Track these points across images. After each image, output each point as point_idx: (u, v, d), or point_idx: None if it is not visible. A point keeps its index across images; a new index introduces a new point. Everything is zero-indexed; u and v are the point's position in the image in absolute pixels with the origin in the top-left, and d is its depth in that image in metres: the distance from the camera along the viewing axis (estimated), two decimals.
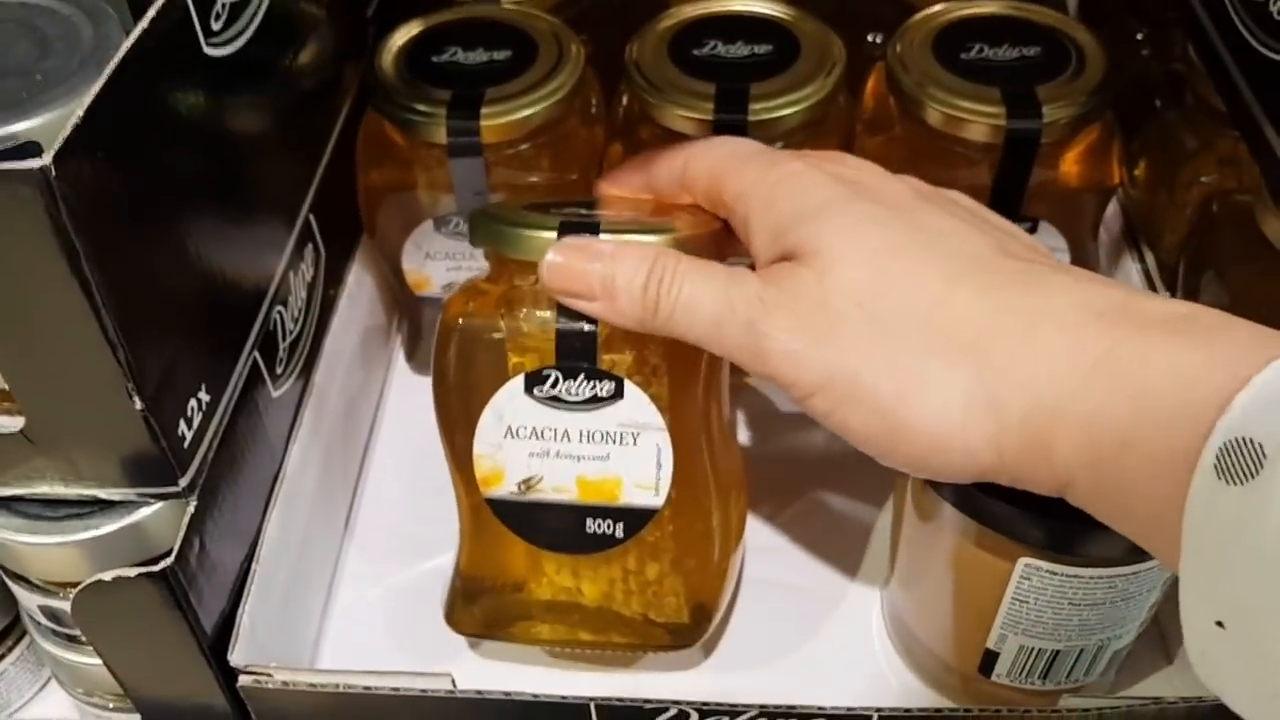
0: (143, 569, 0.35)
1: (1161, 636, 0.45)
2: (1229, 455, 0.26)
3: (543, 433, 0.39)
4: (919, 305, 0.32)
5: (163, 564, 0.35)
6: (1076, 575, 0.36)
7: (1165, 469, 0.27)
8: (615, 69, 0.52)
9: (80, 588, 0.35)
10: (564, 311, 0.38)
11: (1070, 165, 0.47)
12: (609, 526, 0.41)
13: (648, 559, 0.42)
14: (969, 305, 0.32)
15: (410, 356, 0.58)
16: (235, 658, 0.38)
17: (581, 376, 0.38)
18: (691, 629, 0.43)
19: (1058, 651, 0.39)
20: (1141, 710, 0.36)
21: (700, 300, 0.35)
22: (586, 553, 0.41)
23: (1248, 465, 0.25)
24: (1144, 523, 0.29)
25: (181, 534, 0.36)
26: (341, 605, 0.49)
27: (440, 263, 0.52)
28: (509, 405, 0.39)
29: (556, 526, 0.41)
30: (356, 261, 0.53)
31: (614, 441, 0.39)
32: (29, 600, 0.40)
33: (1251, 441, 0.25)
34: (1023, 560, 0.37)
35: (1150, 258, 0.52)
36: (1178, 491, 0.27)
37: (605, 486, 0.40)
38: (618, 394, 0.39)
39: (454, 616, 0.44)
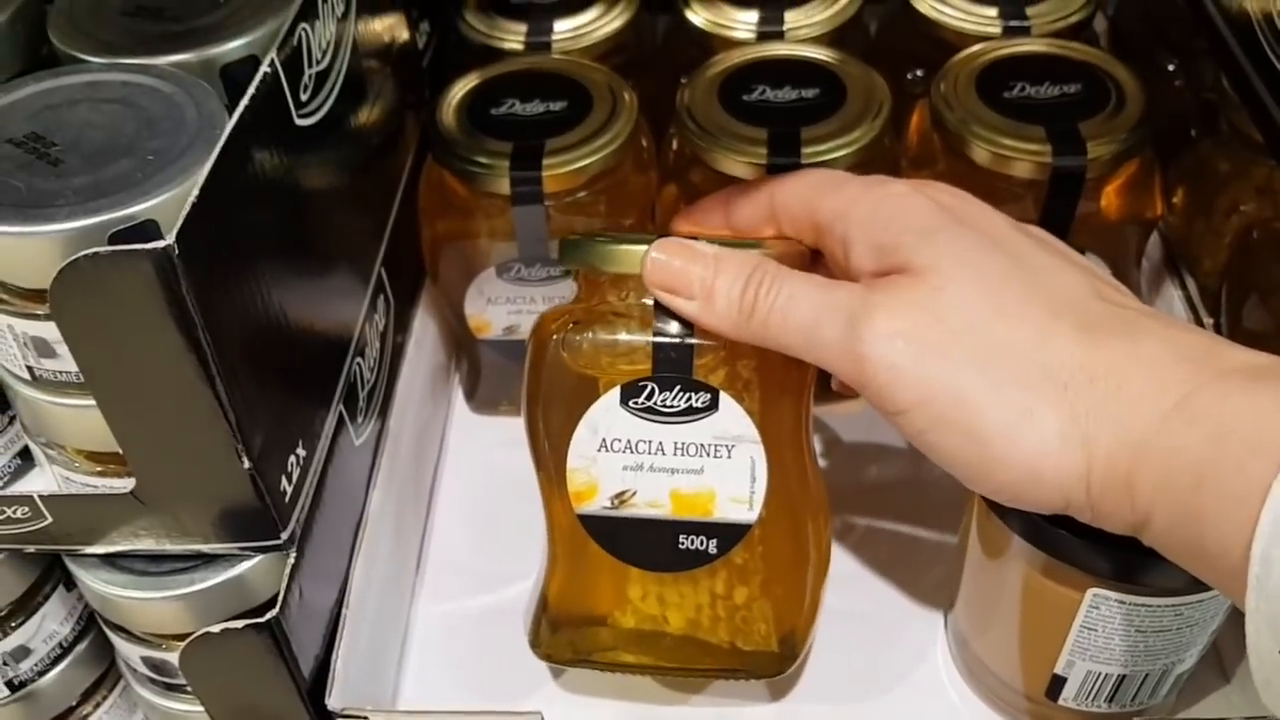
0: (249, 620, 0.36)
1: (1219, 657, 0.46)
2: None
3: (637, 445, 0.40)
4: (1025, 337, 0.33)
5: (268, 615, 0.36)
6: (1144, 604, 0.38)
7: (1237, 503, 0.29)
8: (661, 113, 0.53)
9: (189, 640, 0.36)
10: (660, 325, 0.39)
11: (1112, 199, 0.49)
12: (702, 543, 0.41)
13: (736, 582, 0.42)
14: (1069, 343, 0.33)
15: (470, 397, 0.60)
16: (333, 701, 0.40)
17: (677, 388, 0.39)
18: (780, 658, 0.43)
19: (1124, 676, 0.41)
20: None
21: (798, 304, 0.36)
22: (678, 570, 0.42)
23: None
24: (1214, 558, 0.30)
25: (284, 585, 0.37)
26: (416, 644, 0.50)
27: (501, 307, 0.53)
28: (604, 418, 0.40)
29: (649, 543, 0.41)
30: (420, 308, 0.55)
31: (708, 454, 0.40)
32: (130, 651, 0.41)
33: None
34: (1092, 590, 0.38)
35: (1191, 284, 0.53)
36: (1247, 525, 0.28)
37: (699, 501, 0.41)
38: (713, 405, 0.39)
39: (539, 644, 0.44)
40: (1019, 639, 0.42)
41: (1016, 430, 0.33)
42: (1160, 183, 0.49)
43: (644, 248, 0.39)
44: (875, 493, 0.54)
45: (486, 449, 0.58)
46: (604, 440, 0.40)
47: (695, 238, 0.43)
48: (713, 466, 0.40)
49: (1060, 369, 0.33)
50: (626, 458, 0.41)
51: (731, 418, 0.40)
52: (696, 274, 0.38)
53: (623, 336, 0.40)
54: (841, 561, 0.52)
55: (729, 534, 0.41)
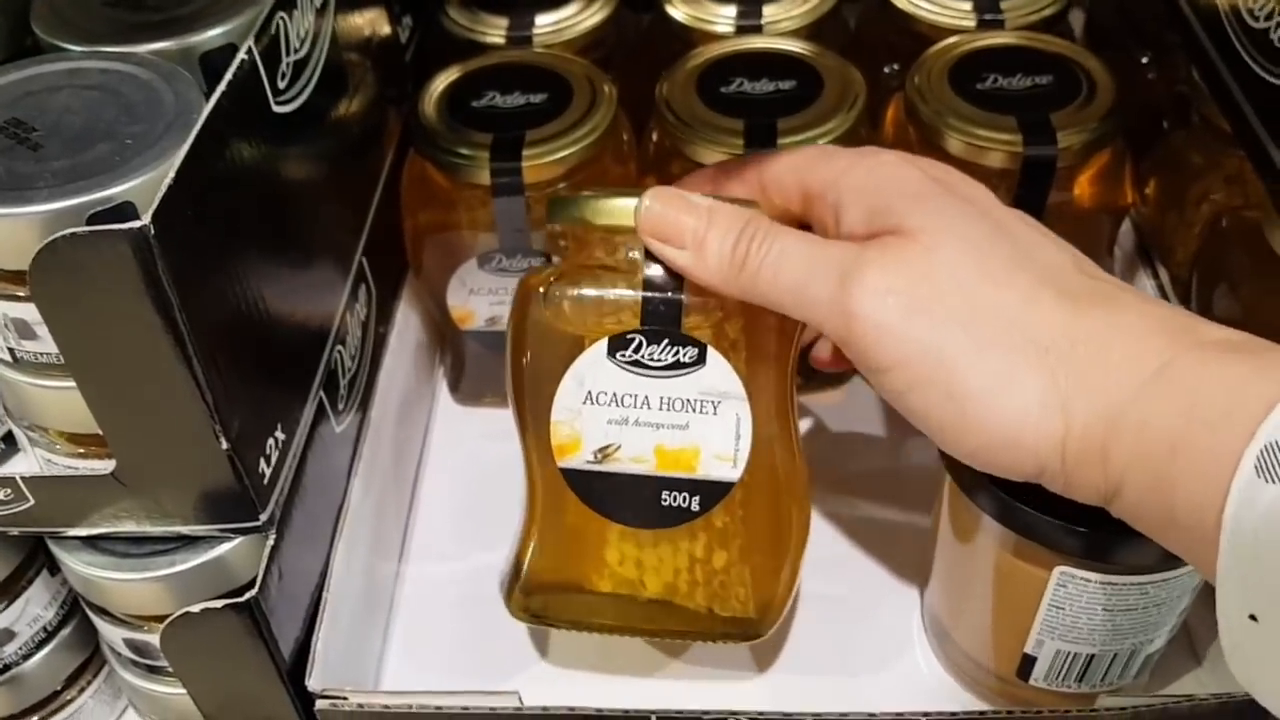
0: (228, 600, 0.37)
1: (1190, 639, 0.47)
2: (1269, 456, 0.28)
3: (623, 399, 0.40)
4: (1010, 301, 0.34)
5: (247, 595, 0.37)
6: (1111, 582, 0.38)
7: (1210, 470, 0.29)
8: (641, 105, 0.54)
9: (169, 620, 0.37)
10: (650, 278, 0.39)
11: (1084, 188, 0.49)
12: (685, 499, 0.41)
13: (716, 546, 0.42)
14: (1052, 309, 0.33)
15: (454, 388, 0.60)
16: (313, 682, 0.40)
17: (665, 341, 0.39)
18: (757, 623, 0.43)
19: (1093, 655, 0.41)
20: (1175, 708, 0.38)
21: (790, 259, 0.36)
22: (660, 527, 0.42)
23: None
24: (1185, 526, 0.30)
25: (263, 566, 0.38)
26: (399, 627, 0.51)
27: (484, 298, 0.54)
28: (590, 370, 0.40)
29: (632, 498, 0.41)
30: (403, 299, 0.55)
31: (694, 409, 0.40)
32: (112, 633, 0.42)
33: None
34: (1059, 568, 0.39)
35: (1164, 273, 0.54)
36: (1219, 492, 0.29)
37: (683, 456, 0.41)
38: (700, 360, 0.39)
39: (512, 601, 0.44)
40: (990, 618, 0.43)
41: (996, 393, 0.33)
42: (1131, 172, 0.50)
43: (635, 200, 0.39)
44: (855, 479, 0.55)
45: (471, 440, 0.59)
46: (590, 393, 0.40)
47: None
48: (698, 422, 0.40)
49: (1043, 334, 0.33)
50: (612, 411, 0.40)
51: (719, 373, 0.40)
52: (690, 224, 0.38)
53: (610, 292, 0.40)
54: (821, 545, 0.52)
55: (712, 491, 0.41)
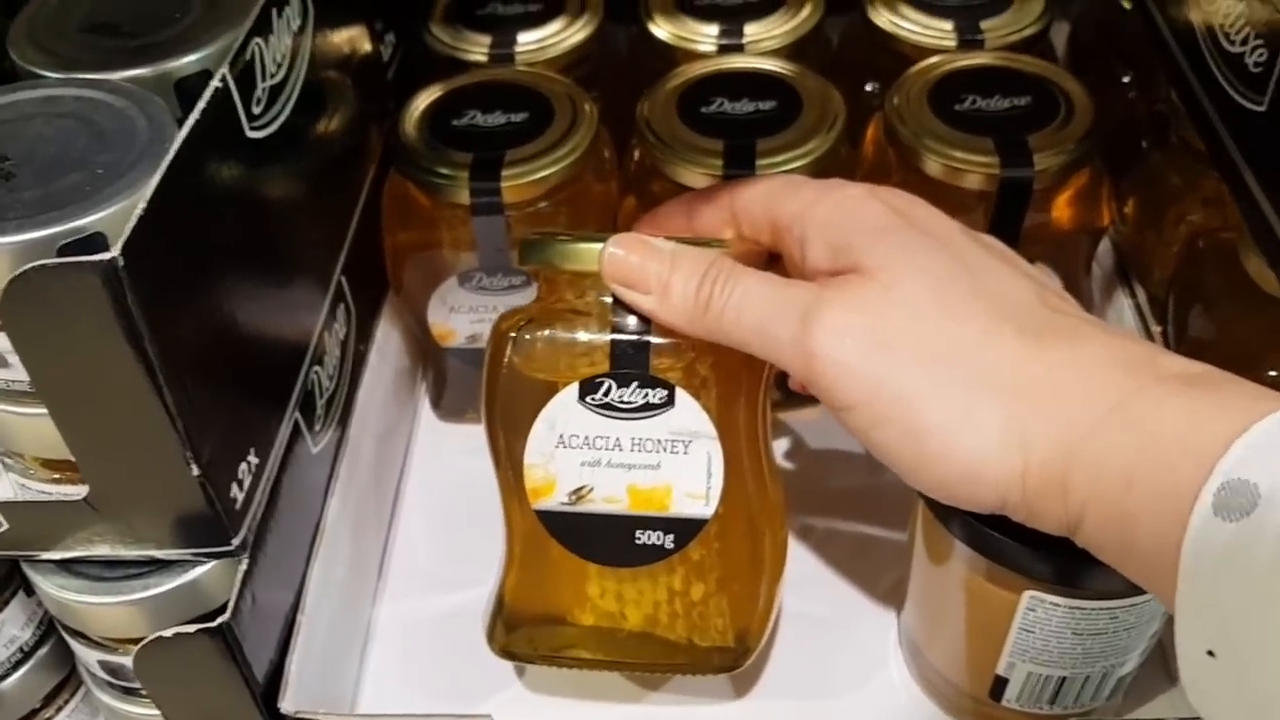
0: (201, 625, 0.37)
1: (1165, 660, 0.47)
2: (1227, 493, 0.28)
3: (595, 441, 0.41)
4: (968, 337, 0.34)
5: (220, 620, 0.37)
6: (1079, 606, 0.38)
7: (1167, 506, 0.29)
8: (625, 123, 0.54)
9: (142, 645, 0.37)
10: (618, 323, 0.40)
11: (1062, 209, 0.50)
12: (659, 537, 0.42)
13: (694, 579, 0.43)
14: (1010, 347, 0.34)
15: (436, 404, 0.60)
16: (285, 705, 0.40)
17: (634, 384, 0.40)
18: (736, 652, 0.44)
19: (1064, 678, 0.41)
20: None
21: (752, 300, 0.37)
22: (635, 565, 0.42)
23: (1244, 504, 0.28)
24: (1144, 559, 0.31)
25: (236, 591, 0.38)
26: (378, 648, 0.51)
27: (464, 316, 0.54)
28: (562, 413, 0.41)
29: (606, 538, 0.42)
30: (383, 317, 0.55)
31: (665, 449, 0.41)
32: (88, 655, 0.42)
33: (1248, 482, 0.28)
34: (1028, 593, 0.39)
35: (1141, 293, 0.54)
36: (1177, 528, 0.29)
37: (656, 496, 0.41)
38: (669, 401, 0.40)
39: (495, 640, 0.45)
40: (963, 640, 0.43)
41: (955, 429, 0.33)
42: (1109, 193, 0.50)
43: (601, 245, 0.39)
44: (834, 498, 0.55)
45: (453, 456, 0.59)
46: (561, 436, 0.41)
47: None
48: (669, 462, 0.41)
49: (1001, 370, 0.33)
50: (584, 453, 0.41)
51: (688, 413, 0.40)
52: (653, 269, 0.38)
53: (580, 335, 0.40)
54: (800, 564, 0.52)
55: (685, 529, 0.42)
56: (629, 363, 0.40)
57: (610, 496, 0.41)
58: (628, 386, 0.40)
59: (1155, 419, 0.31)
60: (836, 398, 0.35)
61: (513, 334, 0.41)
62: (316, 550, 0.45)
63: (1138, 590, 0.38)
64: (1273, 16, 0.41)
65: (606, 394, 0.40)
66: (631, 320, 0.40)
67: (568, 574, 0.43)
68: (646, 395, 0.40)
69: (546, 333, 0.40)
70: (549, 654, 0.45)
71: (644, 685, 0.48)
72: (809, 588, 0.51)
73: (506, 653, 0.45)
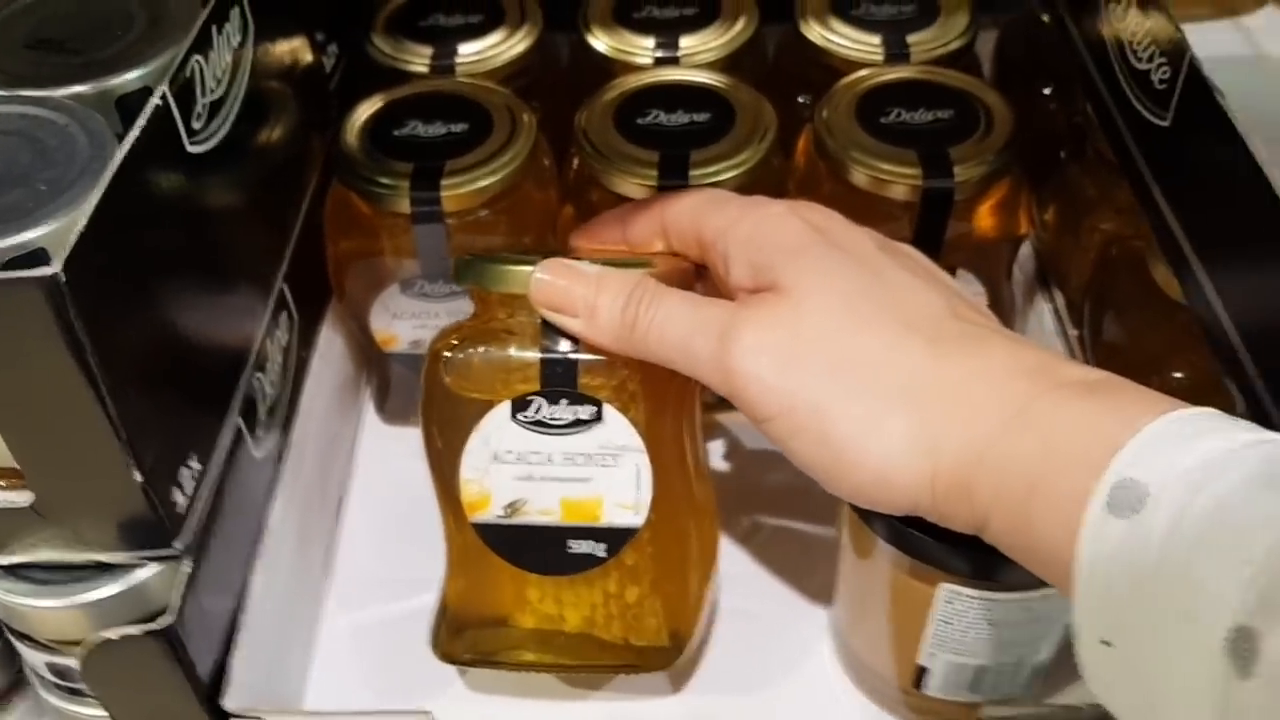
0: (146, 627, 0.38)
1: None
2: (1118, 493, 0.30)
3: (527, 456, 0.42)
4: (877, 350, 0.36)
5: (164, 622, 0.38)
6: (994, 599, 0.40)
7: (1065, 506, 0.31)
8: (565, 132, 0.55)
9: (89, 647, 0.38)
10: (547, 342, 0.41)
11: (983, 218, 0.51)
12: (591, 546, 0.43)
13: (628, 582, 0.44)
14: (919, 357, 0.35)
15: (380, 408, 0.61)
16: (228, 703, 0.41)
17: (564, 401, 0.41)
18: (670, 651, 0.45)
19: (982, 667, 0.43)
20: (1053, 717, 0.40)
21: (674, 319, 0.38)
22: (570, 573, 0.44)
23: (1133, 502, 0.30)
24: (1046, 556, 0.33)
25: (180, 593, 0.39)
26: (323, 647, 0.52)
27: (406, 322, 0.55)
28: (495, 431, 0.42)
29: (541, 548, 0.43)
30: (326, 323, 0.56)
31: (595, 463, 0.42)
32: (35, 658, 0.43)
33: (1137, 481, 0.30)
34: (945, 586, 0.41)
35: (1060, 297, 0.56)
36: (1072, 526, 0.31)
37: (587, 507, 0.43)
38: (598, 417, 0.42)
39: (440, 647, 0.46)
40: (887, 632, 0.45)
41: (866, 437, 0.35)
42: (1027, 202, 0.52)
43: (531, 268, 0.41)
44: (767, 497, 0.56)
45: (397, 458, 0.60)
46: (495, 452, 0.42)
47: (584, 255, 0.45)
48: (600, 475, 0.42)
49: (908, 379, 0.35)
50: (517, 468, 0.43)
51: (616, 429, 0.42)
52: (580, 293, 0.40)
53: (512, 352, 0.42)
54: (734, 562, 0.54)
55: (617, 538, 0.43)
56: (558, 381, 0.41)
57: (544, 509, 0.43)
58: (558, 404, 0.41)
59: (1054, 424, 0.32)
60: (756, 410, 0.37)
61: (446, 354, 0.42)
62: (260, 552, 0.46)
63: (1047, 583, 0.40)
64: (1175, 35, 0.43)
65: (537, 411, 0.42)
66: (560, 340, 0.41)
67: (507, 580, 0.45)
68: (576, 412, 0.42)
69: (478, 352, 0.42)
70: (492, 657, 0.46)
71: (584, 685, 0.50)
72: (743, 585, 0.53)
73: (450, 658, 0.46)
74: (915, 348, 0.35)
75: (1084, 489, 0.31)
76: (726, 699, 0.49)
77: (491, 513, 0.43)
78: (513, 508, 0.43)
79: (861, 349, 0.36)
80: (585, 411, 0.42)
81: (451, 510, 0.44)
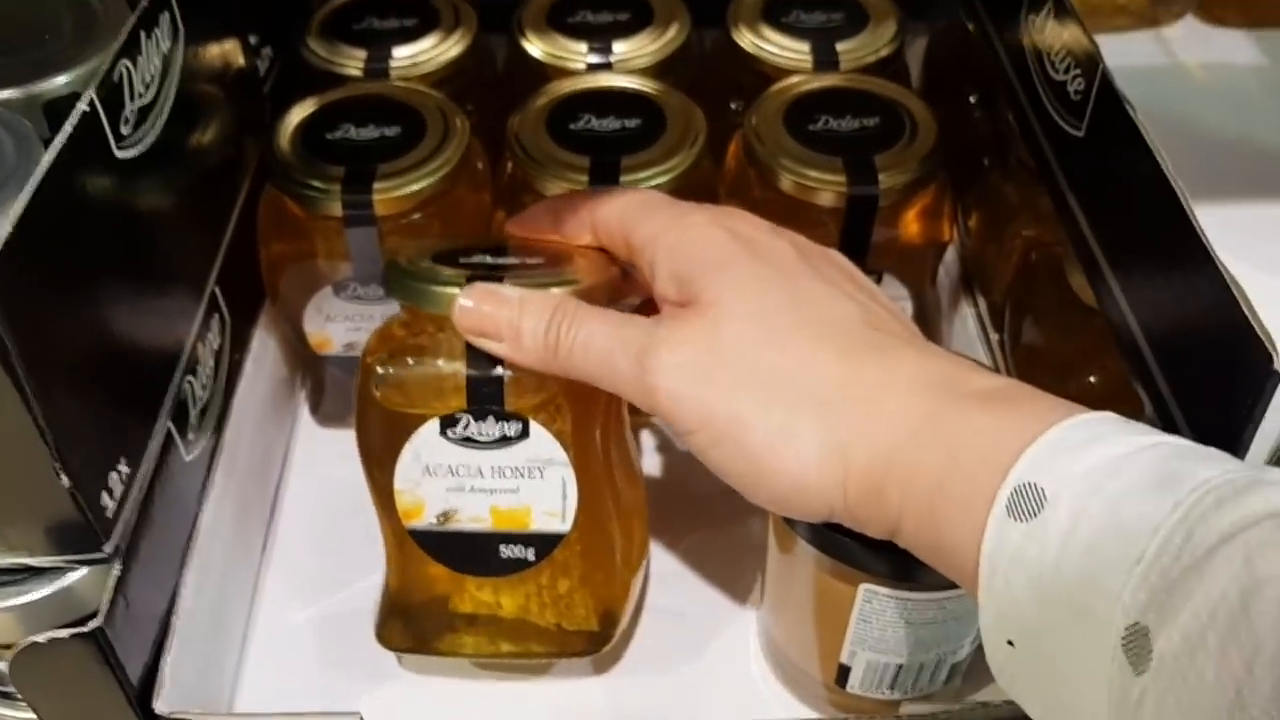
0: (74, 630, 0.38)
1: None
2: (1018, 497, 0.31)
3: (457, 469, 0.43)
4: (789, 363, 0.37)
5: (92, 625, 0.38)
6: (909, 598, 0.41)
7: (968, 511, 0.32)
8: (499, 136, 0.56)
9: (16, 650, 0.38)
10: (473, 360, 0.42)
11: (907, 224, 0.53)
12: (521, 551, 0.45)
13: (559, 575, 0.46)
14: (830, 367, 0.36)
15: (314, 411, 0.62)
16: (160, 705, 0.42)
17: (491, 418, 0.42)
18: (600, 635, 0.47)
19: (901, 665, 0.44)
20: (970, 714, 0.41)
21: (595, 340, 0.39)
22: (501, 575, 0.45)
23: (1032, 506, 0.31)
24: (953, 558, 0.34)
25: (108, 596, 0.39)
26: (257, 648, 0.52)
27: (340, 324, 0.55)
28: (425, 446, 0.43)
29: (473, 552, 0.45)
30: (260, 325, 0.56)
31: (523, 475, 0.43)
32: None
33: (1036, 486, 0.31)
34: (863, 586, 0.42)
35: (983, 302, 0.58)
36: (977, 529, 0.32)
37: (516, 515, 0.44)
38: (524, 433, 0.42)
39: (384, 634, 0.47)
40: (812, 631, 0.46)
41: (781, 446, 0.36)
42: (951, 210, 0.54)
43: (456, 291, 0.41)
44: (698, 499, 0.57)
45: (331, 460, 0.60)
46: (426, 466, 0.43)
47: (518, 244, 0.46)
48: (527, 486, 0.44)
49: (821, 390, 0.36)
50: (448, 480, 0.44)
51: (542, 443, 0.43)
52: (504, 317, 0.40)
53: (442, 366, 0.42)
54: (665, 562, 0.55)
55: (545, 543, 0.45)
56: (485, 399, 0.42)
57: (475, 517, 0.44)
58: (484, 420, 0.42)
59: (959, 432, 0.34)
60: (677, 424, 0.38)
61: (377, 369, 0.43)
62: (191, 555, 0.46)
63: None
64: (1089, 48, 0.44)
65: (465, 428, 0.42)
66: (485, 359, 0.42)
67: (444, 574, 0.46)
68: (503, 428, 0.42)
69: (408, 367, 0.43)
70: (431, 644, 0.47)
71: (521, 672, 0.50)
72: (674, 585, 0.54)
73: (392, 645, 0.47)
74: (828, 360, 0.36)
75: (985, 494, 0.32)
76: (657, 696, 0.50)
77: (425, 520, 0.45)
78: (445, 516, 0.44)
79: (776, 363, 0.37)
80: (512, 428, 0.42)
81: (387, 516, 0.45)
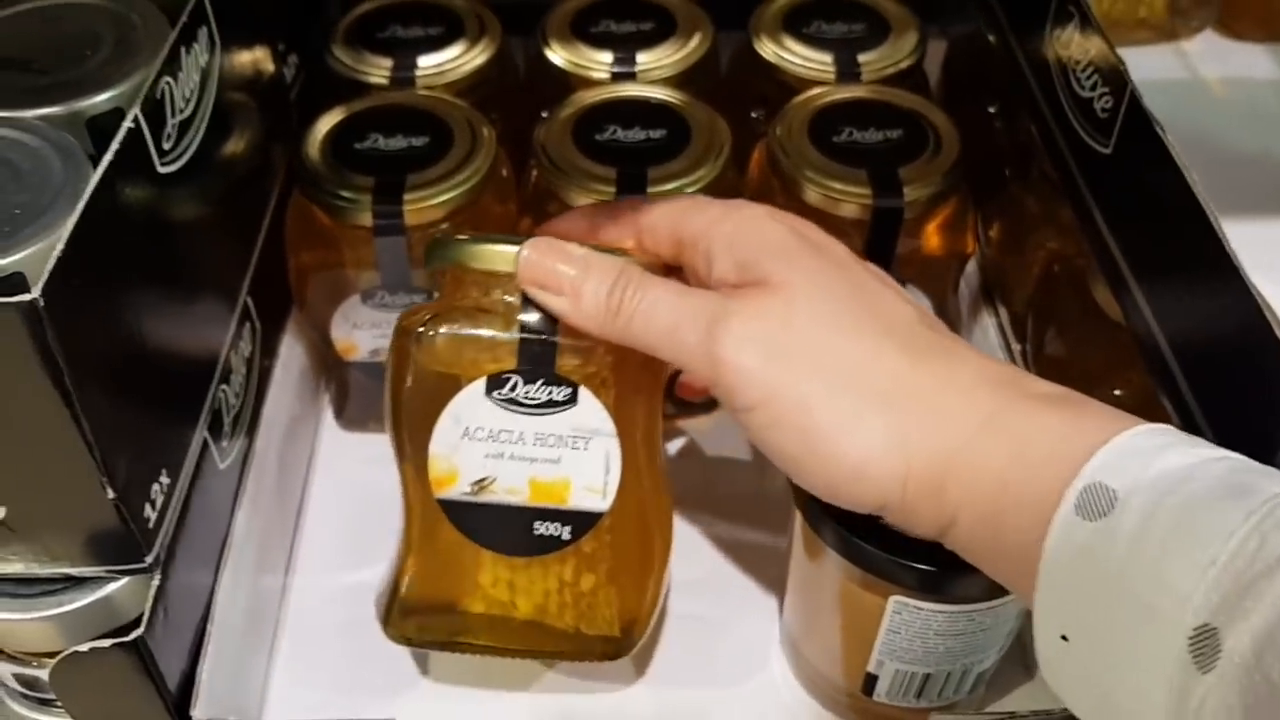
0: (115, 640, 0.39)
1: (1023, 656, 0.51)
2: (1088, 496, 0.32)
3: (499, 435, 0.43)
4: (857, 352, 0.37)
5: (133, 634, 0.39)
6: (940, 610, 0.42)
7: (1034, 506, 0.33)
8: (523, 144, 0.56)
9: (58, 659, 0.39)
10: (527, 319, 0.42)
11: (930, 236, 0.53)
12: (556, 529, 0.44)
13: (584, 570, 0.45)
14: (895, 361, 0.37)
15: (339, 415, 0.62)
16: (197, 713, 0.42)
17: (540, 381, 0.42)
18: (622, 641, 0.46)
19: (928, 674, 0.45)
20: None
21: (661, 307, 0.39)
22: (532, 555, 0.44)
23: (1102, 506, 0.31)
24: (1009, 555, 0.34)
25: (149, 605, 0.40)
26: (285, 654, 0.53)
27: (366, 331, 0.56)
28: (468, 407, 0.42)
29: (505, 527, 0.44)
30: (288, 332, 0.57)
31: (566, 445, 0.43)
32: (2, 669, 0.43)
33: (1107, 487, 0.32)
34: (894, 597, 0.42)
35: (1004, 312, 0.58)
36: (1041, 525, 0.33)
37: (555, 489, 0.43)
38: (572, 400, 0.42)
39: (390, 625, 0.46)
40: (838, 640, 0.47)
41: (845, 432, 0.37)
42: (974, 221, 0.54)
43: (514, 248, 0.41)
44: (720, 503, 0.58)
45: (356, 464, 0.61)
46: (467, 429, 0.43)
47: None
48: (570, 457, 0.43)
49: (887, 382, 0.37)
50: (488, 446, 0.43)
51: (590, 412, 0.42)
52: (567, 273, 0.40)
53: (486, 331, 0.42)
54: (687, 567, 0.55)
55: (582, 521, 0.44)
56: (535, 361, 0.42)
57: (512, 488, 0.43)
58: (533, 383, 0.42)
59: (1025, 430, 0.34)
60: (738, 399, 0.38)
61: (419, 329, 0.42)
62: (225, 561, 0.47)
63: (994, 595, 0.42)
64: (1117, 65, 0.45)
65: (513, 389, 0.42)
66: (539, 320, 0.42)
67: (462, 564, 0.45)
68: (551, 393, 0.42)
69: (452, 329, 0.42)
70: (442, 640, 0.47)
71: (534, 670, 0.51)
72: (696, 589, 0.54)
73: (400, 638, 0.47)
74: (892, 353, 0.37)
75: (1054, 492, 0.32)
76: (679, 702, 0.51)
77: (458, 489, 0.44)
78: (480, 485, 0.43)
79: (846, 350, 0.37)
80: (560, 393, 0.42)
81: (415, 485, 0.44)
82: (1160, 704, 0.29)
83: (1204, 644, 0.28)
